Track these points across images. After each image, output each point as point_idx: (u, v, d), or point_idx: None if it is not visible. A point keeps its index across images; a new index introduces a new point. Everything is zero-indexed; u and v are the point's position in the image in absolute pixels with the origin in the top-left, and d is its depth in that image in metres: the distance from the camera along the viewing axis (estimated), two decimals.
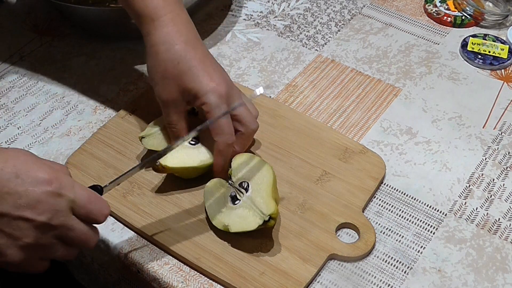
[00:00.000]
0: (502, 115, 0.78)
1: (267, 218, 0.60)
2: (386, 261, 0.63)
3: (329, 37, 0.89)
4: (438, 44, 0.88)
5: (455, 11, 0.92)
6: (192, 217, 0.65)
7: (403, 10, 0.94)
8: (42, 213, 0.49)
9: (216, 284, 0.61)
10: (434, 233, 0.65)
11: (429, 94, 0.80)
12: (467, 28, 0.90)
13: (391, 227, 0.66)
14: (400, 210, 0.68)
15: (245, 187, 0.63)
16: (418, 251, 0.64)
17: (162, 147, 0.67)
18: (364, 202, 0.67)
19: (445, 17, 0.91)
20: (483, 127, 0.76)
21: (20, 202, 0.48)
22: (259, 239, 0.62)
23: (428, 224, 0.66)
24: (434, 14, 0.92)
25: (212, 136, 0.63)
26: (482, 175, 0.71)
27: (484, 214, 0.67)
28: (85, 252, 0.69)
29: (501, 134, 0.76)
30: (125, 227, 0.66)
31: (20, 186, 0.48)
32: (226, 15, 0.93)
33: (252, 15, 0.93)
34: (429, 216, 0.67)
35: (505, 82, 0.82)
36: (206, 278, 0.61)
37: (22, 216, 0.48)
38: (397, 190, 0.69)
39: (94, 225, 0.54)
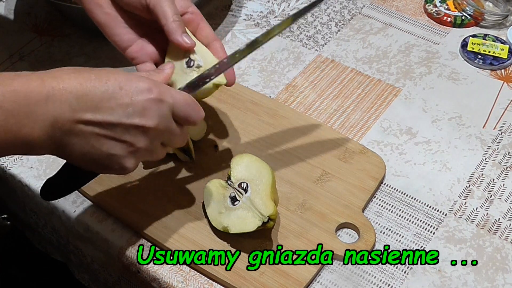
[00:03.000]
0: (502, 115, 0.78)
1: (266, 220, 0.60)
2: (386, 261, 0.63)
3: (329, 37, 0.89)
4: (438, 44, 0.88)
5: (455, 11, 0.92)
6: (192, 217, 0.65)
7: (403, 10, 0.94)
8: (150, 119, 0.52)
9: (216, 284, 0.61)
10: (434, 233, 0.65)
11: (429, 94, 0.80)
12: (467, 28, 0.90)
13: (391, 227, 0.66)
14: (400, 210, 0.68)
15: (244, 187, 0.63)
16: (418, 251, 0.64)
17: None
18: (364, 202, 0.67)
19: (445, 17, 0.91)
20: (483, 127, 0.76)
21: (128, 110, 0.51)
22: (259, 239, 0.63)
23: (428, 224, 0.66)
24: (434, 14, 0.92)
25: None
26: (482, 175, 0.71)
27: (484, 214, 0.67)
28: (85, 252, 0.69)
29: (501, 134, 0.76)
30: (125, 227, 0.66)
31: (126, 96, 0.51)
32: (226, 15, 0.93)
33: (252, 15, 0.93)
34: (429, 216, 0.67)
35: (505, 82, 0.82)
36: (206, 278, 0.61)
37: (133, 123, 0.51)
38: (397, 190, 0.69)
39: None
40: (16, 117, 0.47)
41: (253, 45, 0.62)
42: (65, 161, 0.57)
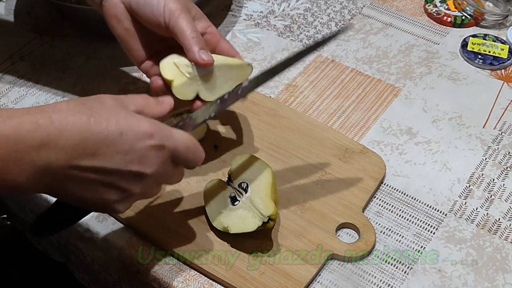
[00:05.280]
0: (502, 115, 0.78)
1: (266, 220, 0.60)
2: (386, 261, 0.63)
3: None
4: (438, 44, 0.88)
5: (455, 11, 0.92)
6: (192, 217, 0.65)
7: (403, 10, 0.94)
8: (149, 166, 0.51)
9: (216, 284, 0.61)
10: (434, 233, 0.65)
11: (429, 94, 0.80)
12: (467, 28, 0.90)
13: (391, 227, 0.66)
14: (400, 210, 0.68)
15: (244, 188, 0.63)
16: (418, 251, 0.64)
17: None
18: (364, 202, 0.67)
19: (445, 17, 0.91)
20: (483, 127, 0.76)
21: (127, 158, 0.49)
22: (259, 239, 0.63)
23: (428, 224, 0.66)
24: (434, 14, 0.92)
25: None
26: (482, 175, 0.71)
27: (484, 214, 0.67)
28: (85, 252, 0.69)
29: (501, 134, 0.76)
30: (125, 227, 0.66)
31: (125, 143, 0.49)
32: (226, 15, 0.93)
33: (252, 15, 0.93)
34: (429, 216, 0.67)
35: (505, 82, 0.82)
36: (206, 278, 0.61)
37: (132, 171, 0.50)
38: (397, 190, 0.69)
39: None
40: (2, 162, 0.44)
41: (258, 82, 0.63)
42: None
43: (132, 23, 0.64)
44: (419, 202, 0.68)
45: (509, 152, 0.74)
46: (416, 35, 0.89)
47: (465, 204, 0.68)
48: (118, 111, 0.50)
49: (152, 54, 0.65)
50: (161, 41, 0.65)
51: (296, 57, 0.65)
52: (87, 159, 0.47)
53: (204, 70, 0.62)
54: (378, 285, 0.61)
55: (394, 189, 0.69)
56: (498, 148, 0.74)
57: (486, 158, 0.73)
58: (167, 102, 0.57)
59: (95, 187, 0.49)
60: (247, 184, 0.63)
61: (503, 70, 0.84)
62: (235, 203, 0.62)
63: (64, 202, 0.53)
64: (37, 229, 0.56)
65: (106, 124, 0.48)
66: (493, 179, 0.71)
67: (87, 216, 0.67)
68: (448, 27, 0.91)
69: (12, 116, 0.45)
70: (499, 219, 0.67)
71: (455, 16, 0.91)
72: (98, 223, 0.66)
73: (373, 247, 0.64)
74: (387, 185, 0.70)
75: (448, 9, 0.92)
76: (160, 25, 0.62)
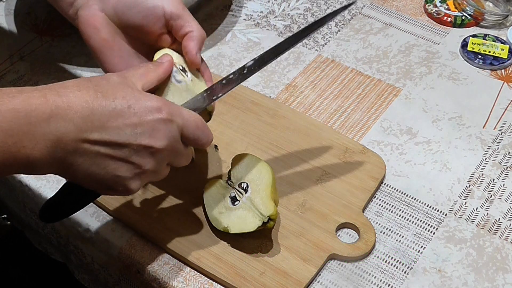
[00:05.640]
0: (502, 115, 0.78)
1: (266, 220, 0.60)
2: (386, 261, 0.63)
3: (329, 37, 0.89)
4: (438, 44, 0.88)
5: (455, 11, 0.92)
6: (192, 217, 0.65)
7: (403, 10, 0.94)
8: (159, 140, 0.50)
9: (216, 284, 0.61)
10: (434, 233, 0.65)
11: (429, 94, 0.80)
12: (467, 28, 0.90)
13: (391, 227, 0.66)
14: (400, 210, 0.67)
15: (244, 188, 0.63)
16: (418, 251, 0.64)
17: None
18: (364, 202, 0.67)
19: (445, 17, 0.91)
20: (483, 127, 0.76)
21: (137, 131, 0.49)
22: (259, 239, 0.62)
23: (428, 224, 0.66)
24: (434, 14, 0.92)
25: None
26: (482, 175, 0.71)
27: (484, 214, 0.67)
28: (85, 252, 0.69)
29: (501, 134, 0.76)
30: (125, 227, 0.66)
31: (134, 116, 0.49)
32: (226, 15, 0.93)
33: (252, 15, 0.93)
34: (429, 216, 0.67)
35: (505, 82, 0.82)
36: (206, 278, 0.61)
37: (142, 144, 0.50)
38: (397, 190, 0.69)
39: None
40: (15, 137, 0.44)
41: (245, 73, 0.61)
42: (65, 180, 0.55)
43: (110, 34, 0.60)
44: (419, 202, 0.68)
45: (509, 152, 0.74)
46: (416, 35, 0.89)
47: (465, 204, 0.68)
48: (125, 87, 0.50)
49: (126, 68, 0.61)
50: (136, 56, 0.62)
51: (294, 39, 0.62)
52: (96, 132, 0.48)
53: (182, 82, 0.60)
54: (378, 285, 0.61)
55: (394, 189, 0.69)
56: (498, 148, 0.74)
57: (486, 158, 0.73)
58: (166, 61, 0.58)
59: (106, 162, 0.49)
60: (247, 184, 0.63)
61: (503, 70, 0.84)
62: (235, 203, 0.62)
63: (73, 184, 0.53)
64: (45, 215, 0.55)
65: (114, 98, 0.49)
66: (493, 179, 0.71)
67: (87, 216, 0.67)
68: (448, 27, 0.91)
69: (22, 91, 0.46)
70: (499, 219, 0.67)
71: (455, 16, 0.91)
72: (98, 223, 0.66)
73: (373, 247, 0.64)
74: (387, 185, 0.70)
75: (448, 9, 0.92)
76: (148, 27, 0.59)
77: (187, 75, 0.60)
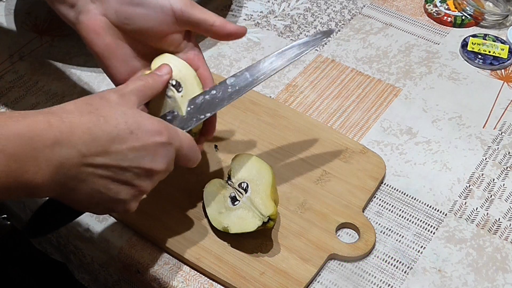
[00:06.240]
0: (502, 115, 0.78)
1: (266, 220, 0.60)
2: (386, 261, 0.63)
3: (329, 37, 0.89)
4: (438, 44, 0.88)
5: (455, 11, 0.92)
6: (192, 217, 0.65)
7: (403, 10, 0.94)
8: (160, 162, 0.52)
9: (216, 284, 0.61)
10: (434, 233, 0.65)
11: (429, 94, 0.80)
12: (467, 28, 0.90)
13: (391, 227, 0.66)
14: (400, 210, 0.68)
15: (244, 188, 0.63)
16: (418, 251, 0.64)
17: None
18: (364, 202, 0.67)
19: (445, 17, 0.91)
20: (483, 127, 0.76)
21: (140, 154, 0.51)
22: (259, 239, 0.63)
23: (428, 224, 0.66)
24: (434, 14, 0.92)
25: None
26: (482, 175, 0.71)
27: (484, 214, 0.67)
28: (85, 252, 0.69)
29: (501, 134, 0.76)
30: (125, 227, 0.66)
31: (137, 140, 0.50)
32: (226, 15, 0.93)
33: (252, 15, 0.93)
34: (429, 216, 0.67)
35: (505, 82, 0.82)
36: (206, 278, 0.61)
37: (144, 167, 0.51)
38: (397, 190, 0.69)
39: None
40: (19, 162, 0.44)
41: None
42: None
43: (113, 38, 0.59)
44: (419, 202, 0.68)
45: (509, 152, 0.74)
46: (416, 35, 0.89)
47: (465, 204, 0.68)
48: (125, 109, 0.51)
49: (130, 74, 0.61)
50: (143, 56, 0.62)
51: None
52: (99, 156, 0.48)
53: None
54: (378, 285, 0.61)
55: (394, 189, 0.69)
56: (498, 148, 0.74)
57: (486, 158, 0.73)
58: (164, 74, 0.58)
59: (108, 185, 0.50)
60: (247, 184, 0.63)
61: (503, 70, 0.84)
62: (235, 203, 0.62)
63: (56, 202, 0.53)
64: (31, 231, 0.56)
65: (116, 123, 0.49)
66: (493, 179, 0.71)
67: (87, 215, 0.67)
68: (448, 27, 0.91)
69: (26, 116, 0.46)
70: (499, 219, 0.67)
71: (455, 16, 0.91)
72: (98, 223, 0.66)
73: (373, 247, 0.64)
74: (387, 185, 0.70)
75: (448, 9, 0.92)
76: (155, 28, 0.59)
77: (180, 90, 0.60)
